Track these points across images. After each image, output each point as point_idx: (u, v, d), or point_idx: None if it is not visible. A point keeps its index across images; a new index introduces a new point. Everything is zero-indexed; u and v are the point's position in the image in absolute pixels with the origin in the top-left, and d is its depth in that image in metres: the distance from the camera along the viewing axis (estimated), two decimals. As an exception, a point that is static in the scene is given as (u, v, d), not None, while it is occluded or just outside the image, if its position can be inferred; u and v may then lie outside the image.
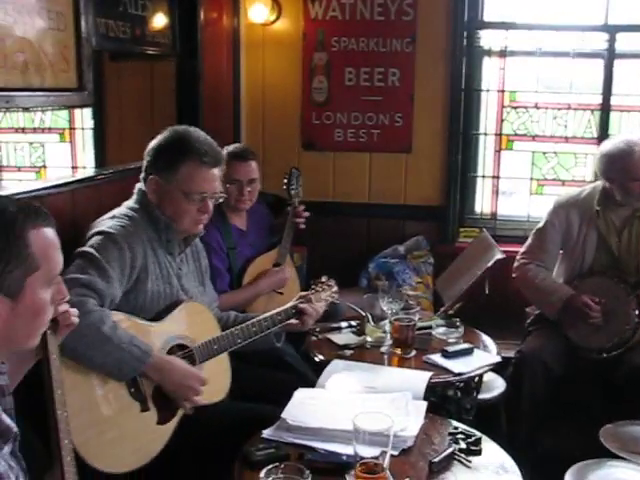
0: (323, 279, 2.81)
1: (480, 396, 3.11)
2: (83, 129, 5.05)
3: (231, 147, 3.34)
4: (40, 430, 1.61)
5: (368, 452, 1.88)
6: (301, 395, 2.34)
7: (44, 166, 5.34)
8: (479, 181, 4.47)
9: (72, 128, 5.14)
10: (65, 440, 1.56)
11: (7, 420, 1.32)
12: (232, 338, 2.45)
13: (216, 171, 2.45)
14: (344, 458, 1.98)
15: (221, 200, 2.55)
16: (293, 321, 2.62)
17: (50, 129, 5.27)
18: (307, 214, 3.47)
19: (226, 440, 2.16)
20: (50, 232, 1.39)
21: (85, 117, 4.98)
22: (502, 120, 4.39)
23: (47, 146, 5.30)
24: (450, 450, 2.06)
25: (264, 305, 3.18)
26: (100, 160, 4.63)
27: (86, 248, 2.23)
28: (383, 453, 1.88)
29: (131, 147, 2.61)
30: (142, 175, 2.49)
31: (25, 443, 1.42)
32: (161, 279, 2.39)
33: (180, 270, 2.51)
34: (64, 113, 5.14)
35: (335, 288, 2.82)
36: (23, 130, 5.31)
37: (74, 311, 1.64)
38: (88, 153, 5.01)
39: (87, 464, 2.02)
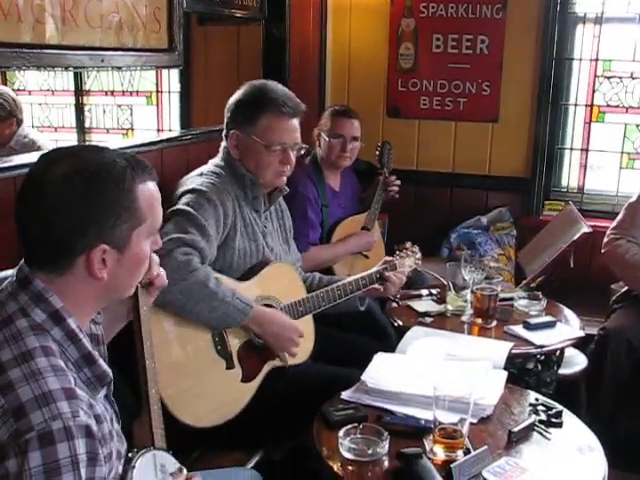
0: (407, 245, 2.79)
1: (560, 371, 3.05)
2: (170, 92, 5.13)
3: (336, 106, 3.57)
4: (131, 382, 1.66)
5: (447, 418, 1.88)
6: (381, 359, 2.35)
7: (131, 128, 5.47)
8: (567, 153, 4.33)
9: (159, 91, 5.24)
10: (152, 389, 1.61)
11: (104, 365, 1.36)
12: (317, 300, 2.47)
13: (295, 121, 2.45)
14: (422, 423, 1.98)
15: (303, 152, 2.55)
16: (376, 286, 2.63)
17: (138, 92, 5.38)
18: (398, 183, 3.54)
19: (306, 400, 2.17)
20: (154, 185, 1.40)
21: (172, 80, 5.06)
22: (594, 91, 4.22)
23: (134, 109, 5.43)
24: (530, 421, 2.03)
25: (349, 267, 3.23)
26: (185, 123, 4.71)
27: (183, 206, 2.26)
28: (462, 420, 1.88)
29: (216, 111, 2.63)
30: (224, 132, 2.52)
31: (116, 393, 1.48)
32: (246, 236, 2.41)
33: (265, 228, 2.52)
34: (151, 76, 5.23)
35: (419, 255, 2.80)
36: (112, 93, 5.44)
37: (164, 272, 1.66)
38: (174, 116, 5.10)
39: (174, 417, 2.07)
